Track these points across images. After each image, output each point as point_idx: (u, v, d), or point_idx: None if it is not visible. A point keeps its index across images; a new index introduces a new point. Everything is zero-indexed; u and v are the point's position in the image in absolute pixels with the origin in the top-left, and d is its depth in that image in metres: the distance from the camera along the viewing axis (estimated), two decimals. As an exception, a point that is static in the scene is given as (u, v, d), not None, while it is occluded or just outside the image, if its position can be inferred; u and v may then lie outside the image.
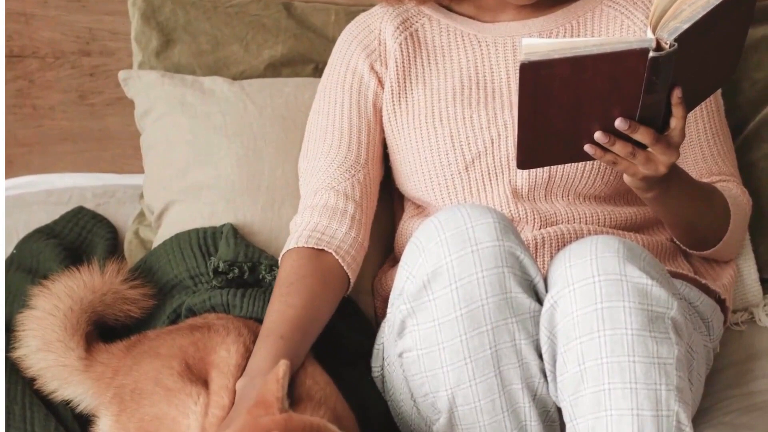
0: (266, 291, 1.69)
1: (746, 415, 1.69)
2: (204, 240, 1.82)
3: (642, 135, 1.47)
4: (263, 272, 1.74)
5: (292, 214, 1.81)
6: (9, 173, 2.26)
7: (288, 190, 1.89)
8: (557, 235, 1.70)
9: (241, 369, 1.50)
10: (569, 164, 1.71)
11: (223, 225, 1.85)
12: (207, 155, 1.92)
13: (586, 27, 1.79)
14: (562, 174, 1.73)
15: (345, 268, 1.68)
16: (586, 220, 1.73)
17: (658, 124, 1.49)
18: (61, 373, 1.60)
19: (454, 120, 1.75)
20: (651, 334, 1.44)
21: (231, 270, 1.73)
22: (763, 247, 1.96)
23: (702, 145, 1.80)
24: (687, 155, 1.79)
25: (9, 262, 1.90)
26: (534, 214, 1.73)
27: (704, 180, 1.77)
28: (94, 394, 1.58)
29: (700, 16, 1.40)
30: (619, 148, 1.49)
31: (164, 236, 1.89)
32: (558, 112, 1.45)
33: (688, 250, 1.79)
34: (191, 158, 1.93)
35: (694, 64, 1.46)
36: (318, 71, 2.04)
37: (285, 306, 1.59)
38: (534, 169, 1.72)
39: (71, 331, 1.61)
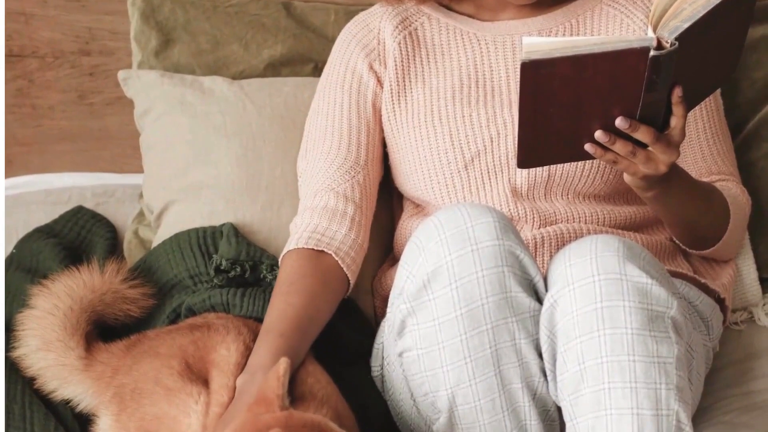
0: (266, 290, 1.69)
1: (745, 414, 1.69)
2: (203, 239, 1.82)
3: (642, 134, 1.48)
4: (264, 271, 1.74)
5: (292, 213, 1.81)
6: (8, 173, 2.26)
7: (287, 190, 1.89)
8: (557, 234, 1.70)
9: (241, 367, 1.50)
10: (569, 163, 1.71)
11: (223, 224, 1.85)
12: (206, 155, 1.92)
13: (586, 26, 1.79)
14: (562, 173, 1.73)
15: (345, 269, 1.68)
16: (586, 220, 1.73)
17: (659, 123, 1.49)
18: (61, 372, 1.60)
19: (453, 119, 1.75)
20: (651, 333, 1.44)
21: (233, 268, 1.73)
22: (763, 247, 1.96)
23: (701, 144, 1.80)
24: (686, 154, 1.79)
25: (8, 262, 1.90)
26: (533, 213, 1.73)
27: (704, 179, 1.77)
28: (93, 393, 1.58)
29: (700, 15, 1.40)
30: (620, 147, 1.49)
31: (164, 236, 1.88)
32: (558, 111, 1.45)
33: (687, 249, 1.79)
34: (191, 158, 1.93)
35: (694, 63, 1.46)
36: (317, 71, 2.04)
37: (285, 305, 1.59)
38: (534, 168, 1.71)
39: (71, 330, 1.61)
